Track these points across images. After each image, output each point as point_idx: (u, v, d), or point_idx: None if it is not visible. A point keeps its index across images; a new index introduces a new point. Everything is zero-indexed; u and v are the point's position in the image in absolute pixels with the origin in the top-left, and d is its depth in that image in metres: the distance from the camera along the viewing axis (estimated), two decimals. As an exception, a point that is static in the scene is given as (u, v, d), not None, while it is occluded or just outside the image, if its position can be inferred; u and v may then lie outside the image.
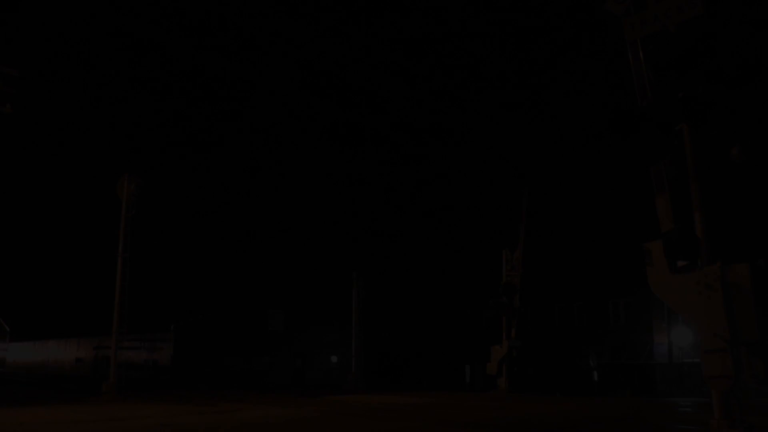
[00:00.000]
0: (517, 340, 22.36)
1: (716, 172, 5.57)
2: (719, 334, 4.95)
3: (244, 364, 50.14)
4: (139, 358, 50.80)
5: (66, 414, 13.72)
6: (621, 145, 5.78)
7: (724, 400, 5.14)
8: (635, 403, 17.76)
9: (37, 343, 72.58)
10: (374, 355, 57.66)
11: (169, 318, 51.05)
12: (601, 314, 43.90)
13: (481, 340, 39.25)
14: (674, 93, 5.57)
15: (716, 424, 5.12)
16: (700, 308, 5.11)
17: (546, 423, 11.46)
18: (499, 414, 13.36)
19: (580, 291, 45.84)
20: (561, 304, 46.68)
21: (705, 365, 5.00)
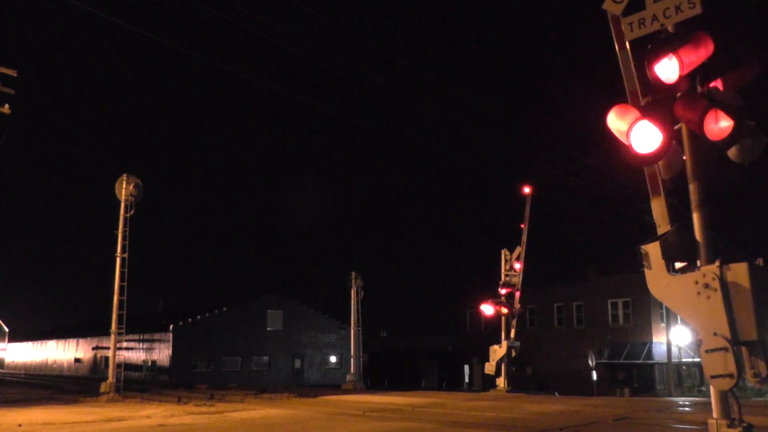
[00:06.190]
0: (517, 341, 22.33)
1: (715, 171, 5.57)
2: (719, 333, 4.95)
3: (243, 364, 50.15)
4: (138, 358, 50.81)
5: (65, 414, 13.72)
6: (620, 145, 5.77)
7: (722, 400, 5.15)
8: (634, 402, 17.77)
9: (35, 343, 72.56)
10: (373, 356, 57.66)
11: (168, 318, 51.05)
12: (601, 314, 43.95)
13: (481, 340, 39.27)
14: (673, 92, 5.57)
15: (715, 424, 5.12)
16: (700, 308, 5.10)
17: (545, 423, 11.47)
18: (497, 414, 13.37)
19: (579, 291, 45.91)
20: (560, 303, 46.74)
21: (706, 365, 5.00)
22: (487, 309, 22.66)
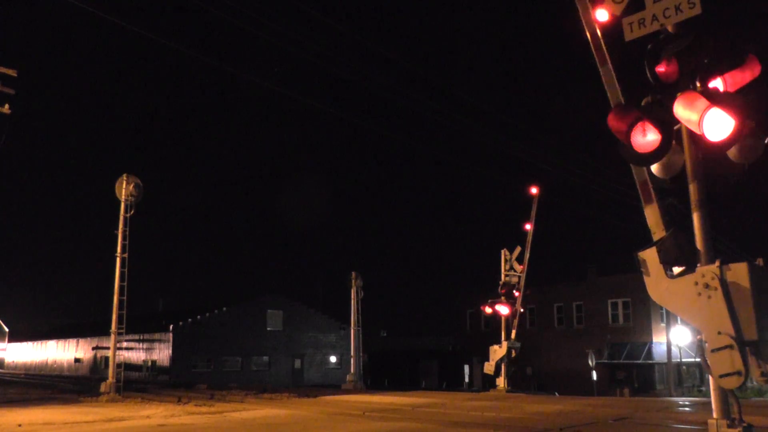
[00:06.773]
0: (517, 341, 22.23)
1: (715, 171, 5.57)
2: (723, 331, 4.95)
3: (243, 364, 50.13)
4: (138, 358, 50.79)
5: (65, 414, 13.72)
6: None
7: (722, 400, 5.14)
8: (634, 402, 17.77)
9: (36, 343, 72.53)
10: (373, 356, 57.67)
11: (168, 318, 51.03)
12: (601, 314, 43.95)
13: (481, 340, 39.28)
14: (672, 92, 5.58)
15: (715, 424, 5.12)
16: (702, 308, 5.10)
17: (545, 423, 11.47)
18: (497, 414, 13.37)
19: (579, 291, 45.91)
20: (560, 303, 46.74)
21: (713, 365, 4.98)
22: (488, 309, 22.61)
